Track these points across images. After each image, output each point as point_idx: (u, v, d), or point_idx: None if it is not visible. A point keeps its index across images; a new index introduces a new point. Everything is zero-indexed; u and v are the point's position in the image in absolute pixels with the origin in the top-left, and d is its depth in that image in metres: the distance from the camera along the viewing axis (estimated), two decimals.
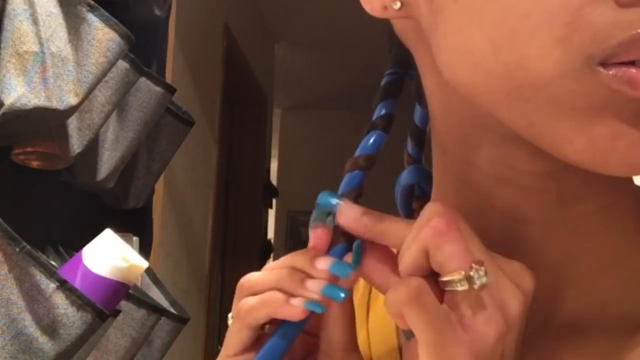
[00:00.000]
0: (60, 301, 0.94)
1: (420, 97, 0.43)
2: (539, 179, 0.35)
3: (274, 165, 4.96)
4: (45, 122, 1.00)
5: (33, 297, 0.93)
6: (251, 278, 0.37)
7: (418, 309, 0.31)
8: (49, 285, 0.94)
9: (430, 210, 0.33)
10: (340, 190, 0.37)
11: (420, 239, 0.32)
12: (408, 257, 0.33)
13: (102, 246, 0.98)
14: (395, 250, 0.36)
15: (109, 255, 0.97)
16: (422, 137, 0.45)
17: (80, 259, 0.98)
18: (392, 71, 0.41)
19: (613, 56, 0.27)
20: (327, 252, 0.36)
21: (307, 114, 5.32)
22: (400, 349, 0.41)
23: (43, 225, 1.15)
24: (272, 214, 4.76)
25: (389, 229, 0.35)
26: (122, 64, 1.13)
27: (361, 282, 0.45)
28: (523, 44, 0.28)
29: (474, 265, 0.31)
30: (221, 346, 0.38)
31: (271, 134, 4.27)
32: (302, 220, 5.05)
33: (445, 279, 0.32)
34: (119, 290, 1.00)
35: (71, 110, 1.00)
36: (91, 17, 1.03)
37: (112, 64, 1.06)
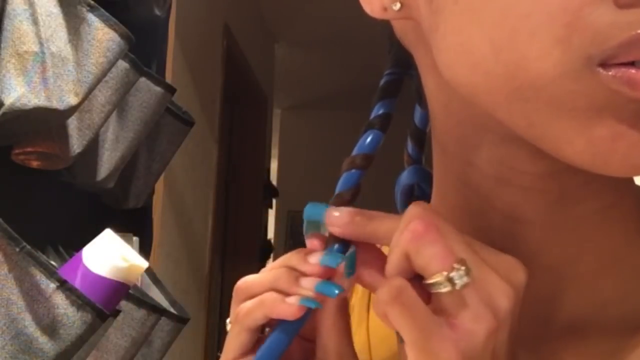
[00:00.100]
0: (60, 301, 0.94)
1: (420, 97, 0.43)
2: (539, 180, 0.35)
3: (274, 165, 4.97)
4: (45, 122, 1.00)
5: (33, 297, 0.93)
6: (247, 280, 0.37)
7: (400, 307, 0.31)
8: (49, 285, 0.94)
9: (408, 213, 0.33)
10: (337, 189, 0.37)
11: (399, 244, 0.32)
12: (391, 263, 0.33)
13: (102, 246, 0.98)
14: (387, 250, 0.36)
15: (109, 255, 0.97)
16: (422, 138, 0.45)
17: (80, 259, 0.98)
18: (391, 71, 0.41)
19: (613, 57, 0.27)
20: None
21: (307, 114, 5.32)
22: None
23: (43, 225, 1.15)
24: (272, 214, 4.76)
25: (379, 228, 0.34)
26: (122, 64, 1.13)
27: None
28: (523, 44, 0.28)
29: (455, 265, 0.31)
30: (221, 351, 0.38)
31: (271, 134, 4.27)
32: (302, 220, 5.04)
33: (429, 281, 0.31)
34: (119, 290, 1.00)
35: (71, 110, 1.00)
36: (91, 17, 1.03)
37: (112, 64, 1.06)
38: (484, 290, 0.31)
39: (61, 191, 1.20)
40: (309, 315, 0.35)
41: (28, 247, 0.93)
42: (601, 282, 0.37)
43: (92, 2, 1.03)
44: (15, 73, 0.96)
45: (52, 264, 0.98)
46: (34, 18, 0.97)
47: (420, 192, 0.45)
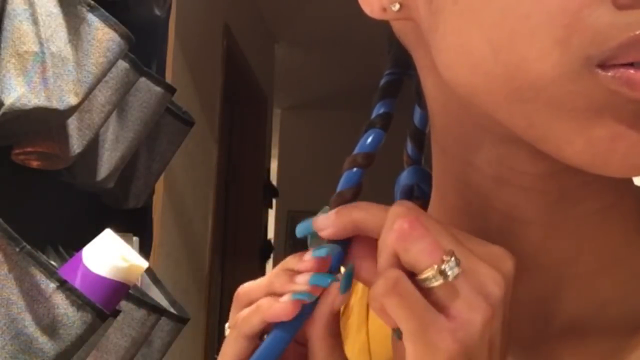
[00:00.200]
0: (60, 301, 0.94)
1: (419, 97, 0.43)
2: (539, 180, 0.35)
3: (274, 165, 4.96)
4: (45, 122, 1.01)
5: (33, 297, 0.93)
6: (246, 287, 0.37)
7: (397, 298, 0.31)
8: (49, 285, 0.94)
9: (392, 213, 0.33)
10: (339, 188, 0.37)
11: (387, 245, 0.33)
12: (381, 265, 0.33)
13: (102, 246, 0.98)
14: None
15: (109, 255, 0.97)
16: (421, 138, 0.45)
17: (80, 259, 0.98)
18: (391, 71, 0.41)
19: (612, 58, 0.27)
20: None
21: (307, 114, 5.31)
22: None
23: (43, 225, 1.15)
24: (272, 214, 4.76)
25: (368, 219, 0.34)
26: (122, 64, 1.13)
27: (360, 284, 0.45)
28: (522, 45, 0.28)
29: (444, 257, 0.31)
30: (220, 348, 0.38)
31: (271, 134, 4.27)
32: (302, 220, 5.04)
33: (421, 277, 0.32)
34: (119, 290, 1.00)
35: (71, 110, 1.00)
36: (91, 17, 1.03)
37: (112, 64, 1.06)
38: (475, 279, 0.31)
39: (61, 191, 1.20)
40: (306, 315, 0.35)
41: (28, 247, 0.94)
42: (601, 282, 0.37)
43: (92, 2, 1.03)
44: (15, 73, 0.96)
45: (52, 264, 0.98)
46: (34, 18, 0.97)
47: (419, 192, 0.45)
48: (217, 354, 0.38)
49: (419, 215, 0.33)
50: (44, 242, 1.13)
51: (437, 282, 0.31)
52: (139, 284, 1.26)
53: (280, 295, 0.35)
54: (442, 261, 0.31)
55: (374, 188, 0.36)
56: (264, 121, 3.86)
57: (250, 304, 0.36)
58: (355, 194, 0.37)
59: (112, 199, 1.31)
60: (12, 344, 0.92)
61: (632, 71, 0.27)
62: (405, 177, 0.45)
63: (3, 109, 0.94)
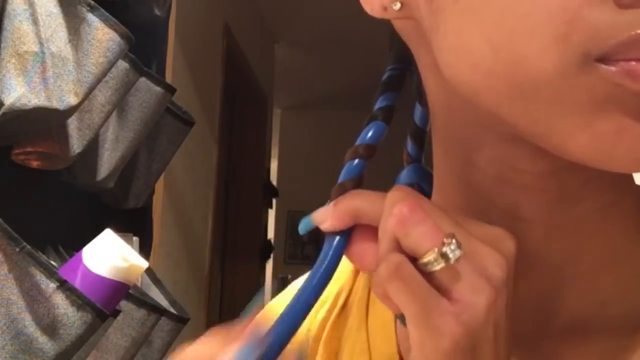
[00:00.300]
0: (60, 301, 0.94)
1: (420, 95, 0.43)
2: (540, 179, 0.35)
3: (274, 165, 4.96)
4: (45, 122, 1.01)
5: (33, 297, 0.93)
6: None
7: (398, 282, 0.31)
8: (49, 285, 0.94)
9: (390, 198, 0.33)
10: (340, 179, 0.37)
11: (387, 231, 0.32)
12: (382, 251, 0.33)
13: (102, 246, 0.98)
14: None
15: (109, 255, 0.97)
16: (422, 137, 0.45)
17: (80, 259, 0.98)
18: (394, 67, 0.41)
19: (612, 54, 0.27)
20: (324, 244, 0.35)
21: (307, 114, 5.32)
22: (399, 353, 0.41)
23: (43, 225, 1.15)
24: (272, 214, 4.76)
25: (365, 209, 0.34)
26: (122, 64, 1.13)
27: (360, 283, 0.45)
28: (522, 44, 0.28)
29: (445, 240, 0.31)
30: None
31: (271, 134, 4.27)
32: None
33: (422, 261, 0.31)
34: (119, 290, 1.00)
35: (71, 110, 1.00)
36: (91, 17, 1.03)
37: (112, 64, 1.06)
38: (477, 261, 0.31)
39: (61, 191, 1.20)
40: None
41: (28, 247, 0.94)
42: (602, 281, 0.37)
43: (92, 2, 1.03)
44: (15, 73, 0.96)
45: (52, 264, 0.98)
46: (34, 18, 0.97)
47: (420, 191, 0.45)
48: None
49: (418, 199, 0.33)
50: (44, 242, 1.13)
51: (438, 266, 0.31)
52: (139, 284, 1.26)
53: None
54: (443, 244, 0.31)
55: (373, 187, 0.36)
56: (264, 121, 3.86)
57: None
58: (356, 186, 0.36)
59: (112, 199, 1.31)
60: (12, 344, 0.92)
61: (633, 63, 0.27)
62: (405, 176, 0.45)
63: (3, 109, 0.94)
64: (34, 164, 1.07)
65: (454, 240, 0.31)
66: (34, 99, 0.95)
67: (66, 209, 1.24)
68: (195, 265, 2.62)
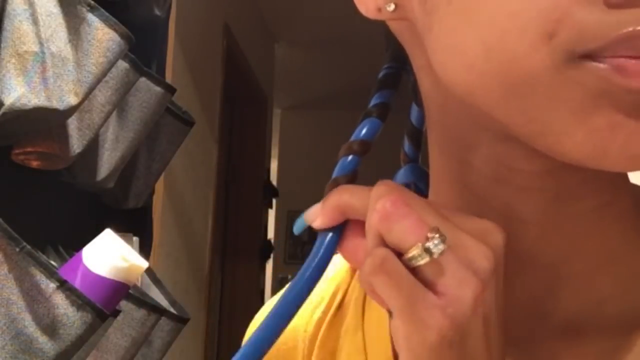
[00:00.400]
0: (60, 301, 0.94)
1: (416, 95, 0.43)
2: (535, 178, 0.35)
3: (274, 165, 4.96)
4: (45, 122, 1.01)
5: (33, 297, 0.93)
6: None
7: (383, 276, 0.31)
8: (49, 285, 0.94)
9: (375, 194, 0.33)
10: (334, 175, 0.37)
11: (371, 226, 0.32)
12: (368, 246, 0.33)
13: (102, 246, 0.98)
14: None
15: (109, 255, 0.97)
16: (418, 136, 0.45)
17: (80, 259, 0.98)
18: (389, 65, 0.41)
19: (600, 52, 0.27)
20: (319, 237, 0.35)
21: (307, 114, 5.31)
22: (395, 353, 0.41)
23: (43, 225, 1.16)
24: (272, 214, 4.75)
25: (353, 204, 0.34)
26: (122, 64, 1.13)
27: (357, 282, 0.45)
28: (513, 43, 0.28)
29: (428, 234, 0.31)
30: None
31: (271, 134, 4.26)
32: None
33: (407, 256, 0.31)
34: (119, 290, 1.00)
35: (71, 110, 1.00)
36: (91, 17, 1.03)
37: (112, 64, 1.06)
38: (462, 254, 0.31)
39: (61, 191, 1.20)
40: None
41: (28, 247, 0.94)
42: (598, 281, 0.37)
43: (92, 2, 1.03)
44: (15, 73, 0.96)
45: (52, 264, 0.98)
46: (34, 18, 0.97)
47: (416, 191, 0.45)
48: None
49: (402, 193, 0.32)
50: (44, 242, 1.13)
51: (423, 261, 0.31)
52: (139, 284, 1.26)
53: None
54: (427, 239, 0.30)
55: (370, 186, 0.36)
56: (264, 121, 3.86)
57: None
58: (349, 182, 0.36)
59: (112, 199, 1.31)
60: (12, 344, 0.92)
61: (622, 59, 0.27)
62: (402, 176, 0.45)
63: (3, 109, 0.94)
64: (34, 164, 1.08)
65: (437, 235, 0.30)
66: (34, 99, 0.95)
67: (66, 209, 1.24)
68: (195, 265, 2.62)
